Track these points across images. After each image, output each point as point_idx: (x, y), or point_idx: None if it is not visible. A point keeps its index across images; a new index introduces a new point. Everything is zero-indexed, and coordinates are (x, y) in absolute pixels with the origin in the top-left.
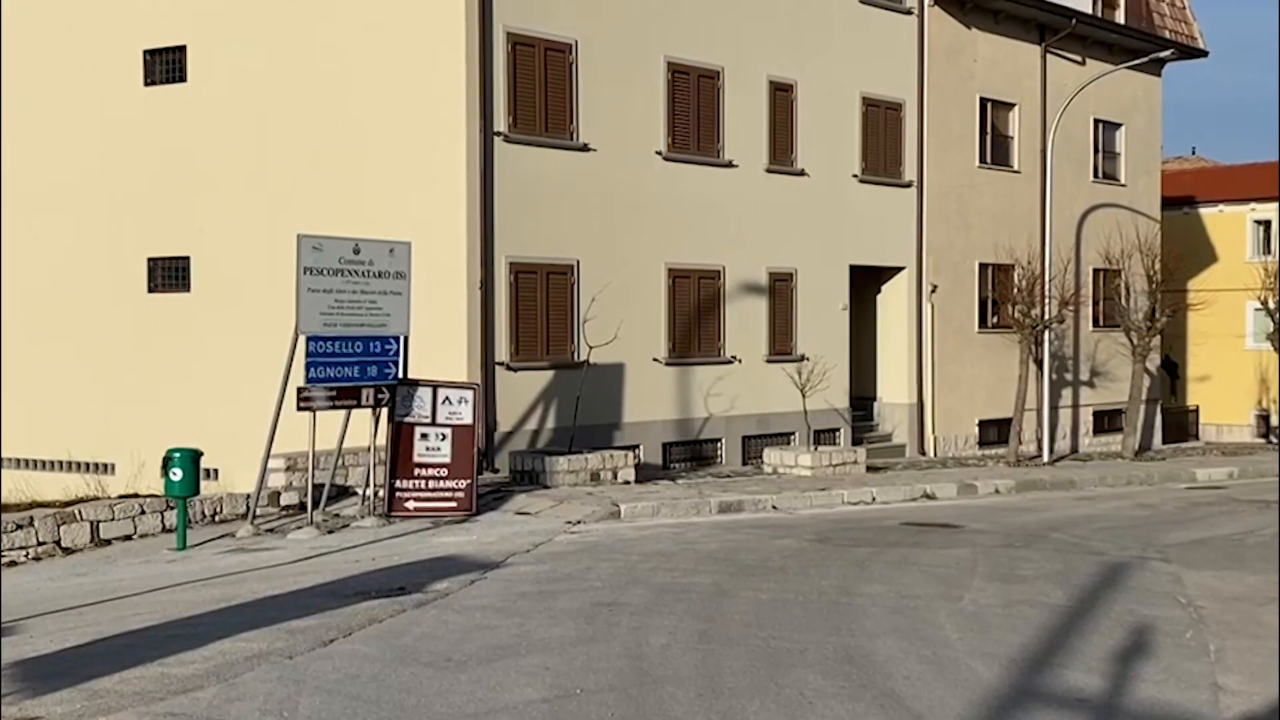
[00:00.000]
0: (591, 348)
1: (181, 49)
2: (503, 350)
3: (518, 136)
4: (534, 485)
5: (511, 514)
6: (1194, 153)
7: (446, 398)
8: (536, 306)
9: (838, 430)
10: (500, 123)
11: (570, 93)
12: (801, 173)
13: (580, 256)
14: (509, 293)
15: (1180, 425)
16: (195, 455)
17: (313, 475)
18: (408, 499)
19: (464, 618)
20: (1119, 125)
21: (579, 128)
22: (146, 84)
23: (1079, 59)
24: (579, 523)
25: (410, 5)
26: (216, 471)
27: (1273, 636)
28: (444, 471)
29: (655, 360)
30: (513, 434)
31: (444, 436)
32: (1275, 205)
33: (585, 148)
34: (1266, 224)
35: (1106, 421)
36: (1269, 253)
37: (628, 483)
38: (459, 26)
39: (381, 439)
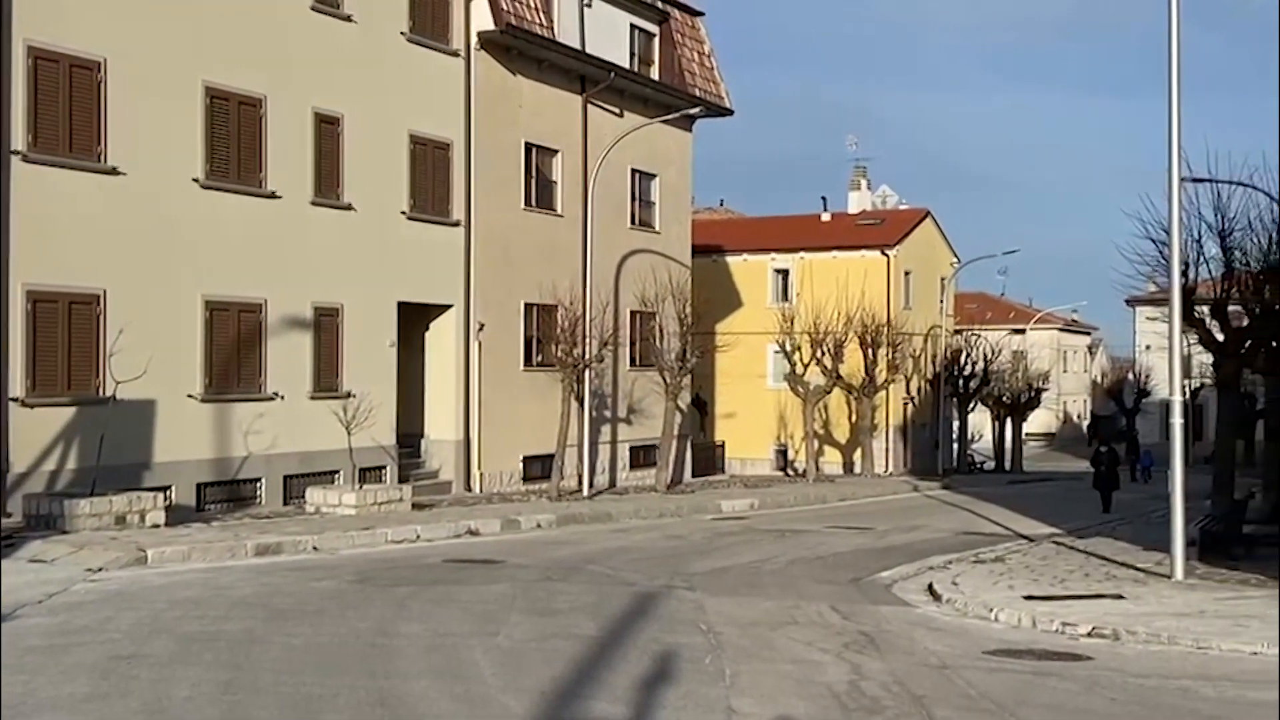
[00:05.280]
0: (119, 383)
1: None
2: (18, 385)
3: (38, 156)
4: (51, 530)
5: (24, 561)
6: (722, 204)
7: None
8: (57, 338)
9: (384, 468)
10: (19, 141)
11: (99, 112)
12: (349, 207)
13: (108, 286)
14: (25, 323)
15: (709, 459)
16: None
17: None
18: None
19: None
20: (654, 176)
21: (108, 149)
22: None
23: (618, 111)
24: (101, 570)
25: None
26: None
27: (782, 659)
28: None
29: (190, 396)
30: (29, 475)
31: None
32: (791, 256)
33: (115, 171)
34: (785, 273)
35: (642, 456)
36: (787, 299)
37: (157, 526)
38: None
39: None
